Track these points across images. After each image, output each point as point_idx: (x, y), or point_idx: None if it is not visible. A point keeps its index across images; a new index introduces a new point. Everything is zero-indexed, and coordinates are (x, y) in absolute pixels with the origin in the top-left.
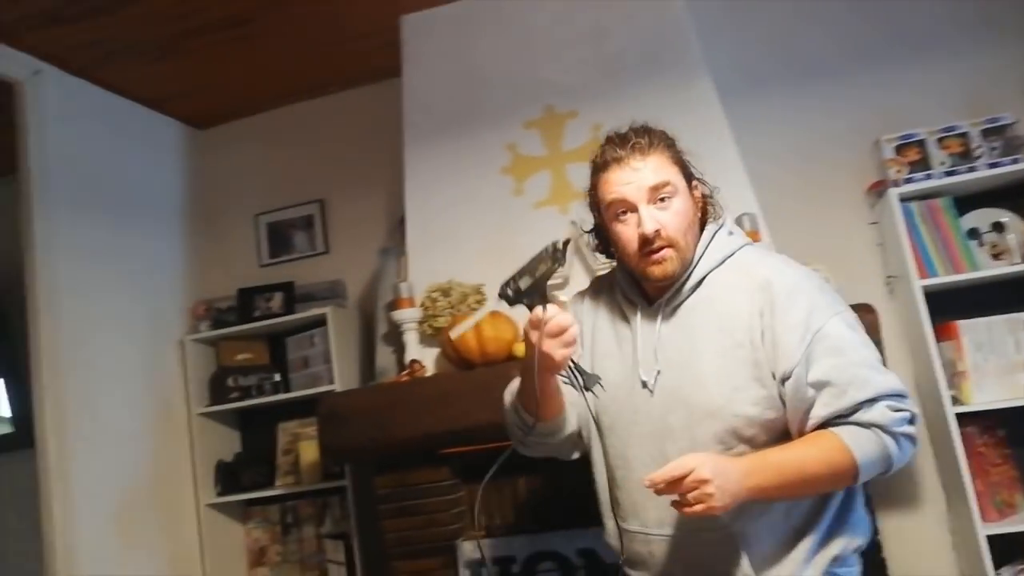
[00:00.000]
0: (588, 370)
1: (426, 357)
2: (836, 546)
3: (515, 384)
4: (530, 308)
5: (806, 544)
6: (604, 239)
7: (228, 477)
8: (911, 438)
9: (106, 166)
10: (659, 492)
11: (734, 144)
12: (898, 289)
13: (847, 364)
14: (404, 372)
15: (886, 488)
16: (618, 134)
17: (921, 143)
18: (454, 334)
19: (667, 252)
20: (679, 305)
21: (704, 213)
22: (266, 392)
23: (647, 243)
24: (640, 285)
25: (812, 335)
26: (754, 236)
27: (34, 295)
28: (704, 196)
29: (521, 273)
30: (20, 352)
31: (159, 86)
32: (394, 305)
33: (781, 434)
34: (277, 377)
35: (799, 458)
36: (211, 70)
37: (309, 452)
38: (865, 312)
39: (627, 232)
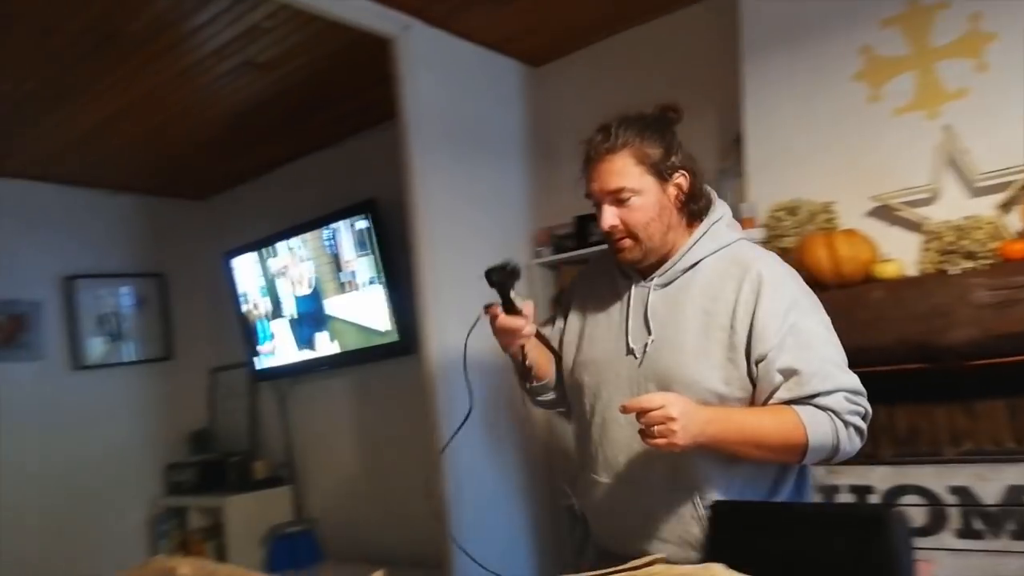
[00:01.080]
0: (577, 336)
1: None
2: None
3: None
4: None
5: None
6: None
7: None
8: (860, 432)
9: (461, 108)
10: (628, 412)
11: None
12: None
13: (815, 358)
14: None
15: None
16: (597, 131)
17: None
18: None
19: (626, 243)
20: (671, 282)
21: (691, 199)
22: None
23: (608, 235)
24: None
25: (789, 326)
26: None
27: (414, 221)
28: (686, 185)
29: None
30: (399, 269)
31: (500, 29)
32: None
33: None
34: None
35: (758, 422)
36: (544, 8)
37: None
38: None
39: (598, 221)
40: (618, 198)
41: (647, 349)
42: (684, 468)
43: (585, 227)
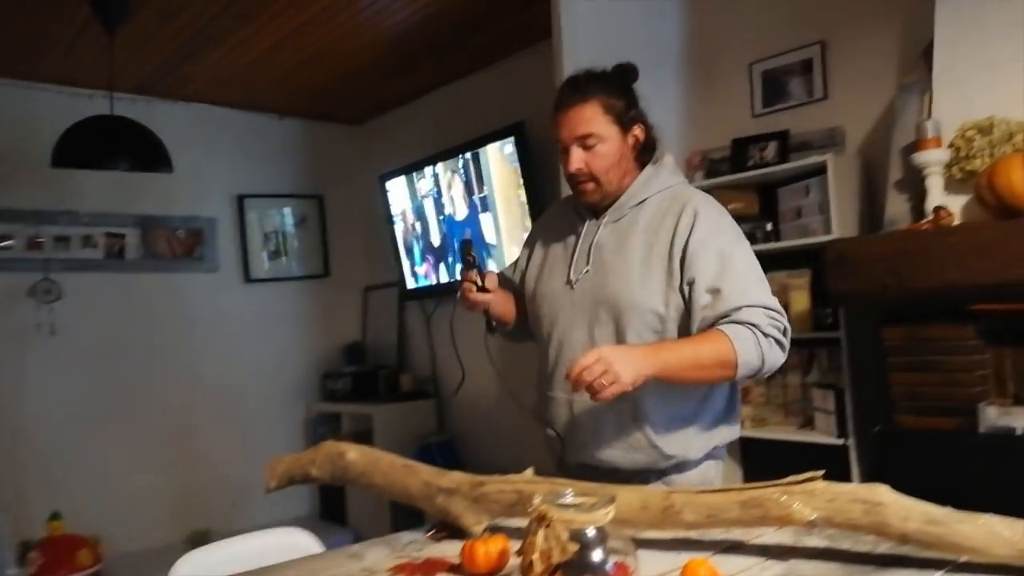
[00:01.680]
0: (537, 270)
1: (953, 204)
2: (719, 435)
3: None
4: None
5: (695, 428)
6: None
7: None
8: (780, 344)
9: (614, 26)
10: (576, 382)
11: None
12: None
13: (736, 277)
14: (926, 220)
15: None
16: (566, 83)
17: None
18: None
19: (588, 186)
20: (621, 218)
21: (645, 149)
22: (758, 240)
23: (573, 177)
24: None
25: (716, 251)
26: None
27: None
28: (642, 136)
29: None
30: (547, 192)
31: None
32: (915, 147)
33: (686, 333)
34: (768, 227)
35: (692, 346)
36: None
37: (799, 302)
38: None
39: (564, 164)
40: (585, 143)
41: (584, 277)
42: None
43: (742, 151)
